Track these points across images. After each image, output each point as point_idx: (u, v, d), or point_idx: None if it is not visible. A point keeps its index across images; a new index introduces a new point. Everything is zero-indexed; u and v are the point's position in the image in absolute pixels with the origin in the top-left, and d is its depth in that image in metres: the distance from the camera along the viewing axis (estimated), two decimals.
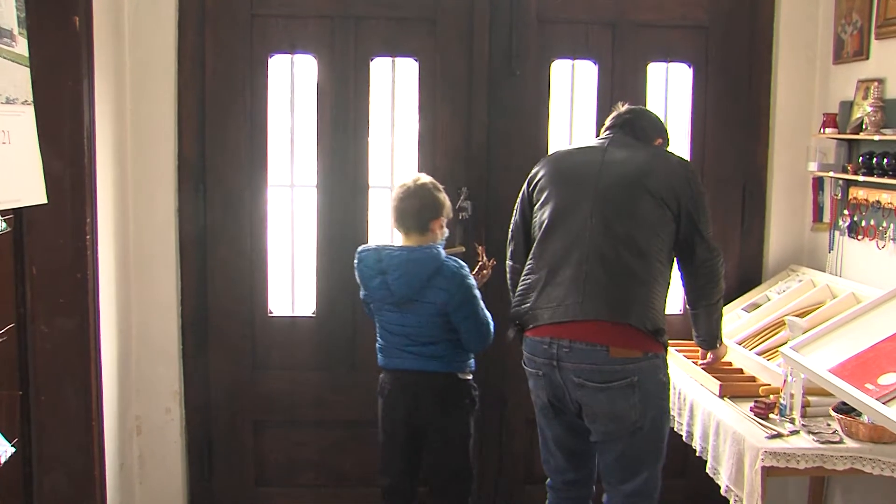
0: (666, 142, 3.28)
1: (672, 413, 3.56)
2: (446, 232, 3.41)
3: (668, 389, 3.07)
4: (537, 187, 3.15)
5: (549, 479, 3.29)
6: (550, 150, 4.04)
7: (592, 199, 2.99)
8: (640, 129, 3.19)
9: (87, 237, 3.26)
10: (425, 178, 3.37)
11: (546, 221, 3.06)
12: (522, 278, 3.10)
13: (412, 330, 3.35)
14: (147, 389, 3.97)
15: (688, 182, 3.01)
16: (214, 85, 3.89)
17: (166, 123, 3.86)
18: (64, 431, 3.31)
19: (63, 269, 3.23)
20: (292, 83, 3.99)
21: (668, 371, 3.05)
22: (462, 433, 3.46)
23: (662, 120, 3.35)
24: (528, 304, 3.03)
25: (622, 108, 3.28)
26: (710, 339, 3.32)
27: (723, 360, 3.56)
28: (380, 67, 3.99)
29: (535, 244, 3.10)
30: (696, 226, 3.01)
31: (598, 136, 3.31)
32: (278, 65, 3.97)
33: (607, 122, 3.26)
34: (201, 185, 3.92)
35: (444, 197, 3.36)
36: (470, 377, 3.44)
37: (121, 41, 3.72)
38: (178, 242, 3.93)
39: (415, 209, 3.29)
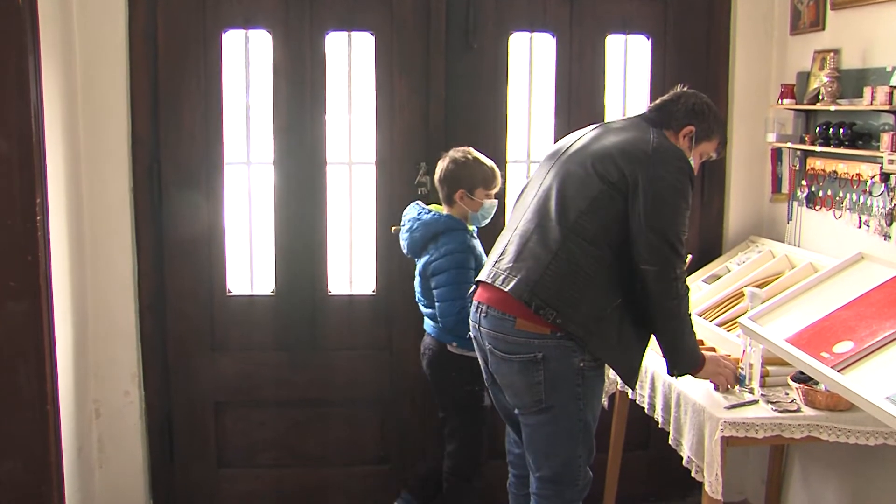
0: (703, 131, 3.01)
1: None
2: (486, 203, 3.51)
3: (590, 378, 2.88)
4: None
5: (509, 456, 3.31)
6: (509, 124, 4.03)
7: (549, 171, 2.98)
8: (669, 112, 3.00)
9: (38, 218, 3.18)
10: (454, 153, 3.53)
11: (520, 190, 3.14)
12: None
13: (420, 289, 3.58)
14: (105, 372, 3.92)
15: (645, 163, 2.78)
16: (167, 62, 3.81)
17: (118, 101, 3.78)
18: (18, 417, 3.24)
19: (13, 251, 3.15)
20: (247, 59, 3.92)
21: (590, 359, 2.84)
22: (454, 403, 3.60)
23: (710, 106, 3.05)
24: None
25: (677, 89, 3.09)
26: (672, 363, 2.98)
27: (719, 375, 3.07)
28: (335, 42, 3.93)
29: None
30: (639, 213, 2.74)
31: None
32: (232, 40, 3.89)
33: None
34: (156, 164, 3.85)
35: (468, 169, 3.49)
36: (464, 352, 3.46)
37: (68, 17, 3.63)
38: (134, 222, 3.87)
39: (438, 182, 3.57)
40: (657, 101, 3.08)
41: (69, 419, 3.57)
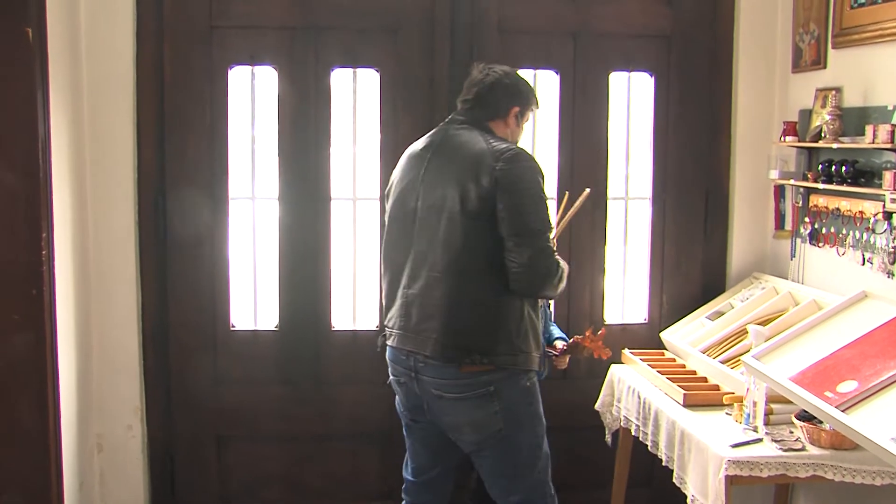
0: (525, 105, 3.13)
1: (636, 422, 3.56)
2: None
3: (535, 394, 3.01)
4: (389, 189, 3.20)
5: (405, 484, 3.28)
6: None
7: (411, 219, 3.00)
8: (490, 104, 3.07)
9: (43, 252, 3.20)
10: None
11: (385, 231, 3.16)
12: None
13: None
14: (108, 406, 3.91)
15: (497, 178, 2.84)
16: (174, 97, 3.85)
17: (125, 136, 3.81)
18: (20, 451, 3.24)
19: (17, 284, 3.16)
20: (253, 95, 3.95)
21: (532, 375, 2.98)
22: None
23: (517, 77, 3.15)
24: (385, 320, 3.10)
25: (477, 73, 3.13)
26: None
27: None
28: (341, 78, 3.97)
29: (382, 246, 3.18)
30: (505, 225, 2.85)
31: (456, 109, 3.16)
32: (238, 76, 3.93)
33: (462, 94, 3.14)
34: (161, 198, 3.87)
35: None
36: None
37: (77, 53, 3.67)
38: (139, 256, 3.88)
39: None
40: (472, 96, 3.09)
41: (71, 453, 3.56)
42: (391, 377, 3.14)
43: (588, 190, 3.49)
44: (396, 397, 3.19)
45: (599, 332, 3.50)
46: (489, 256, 2.88)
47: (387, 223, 3.14)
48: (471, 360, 2.86)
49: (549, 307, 3.77)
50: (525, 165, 2.91)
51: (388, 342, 3.07)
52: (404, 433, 3.24)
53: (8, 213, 3.11)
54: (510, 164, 2.88)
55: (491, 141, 2.96)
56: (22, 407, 3.23)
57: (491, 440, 2.95)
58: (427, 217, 2.95)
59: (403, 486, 3.29)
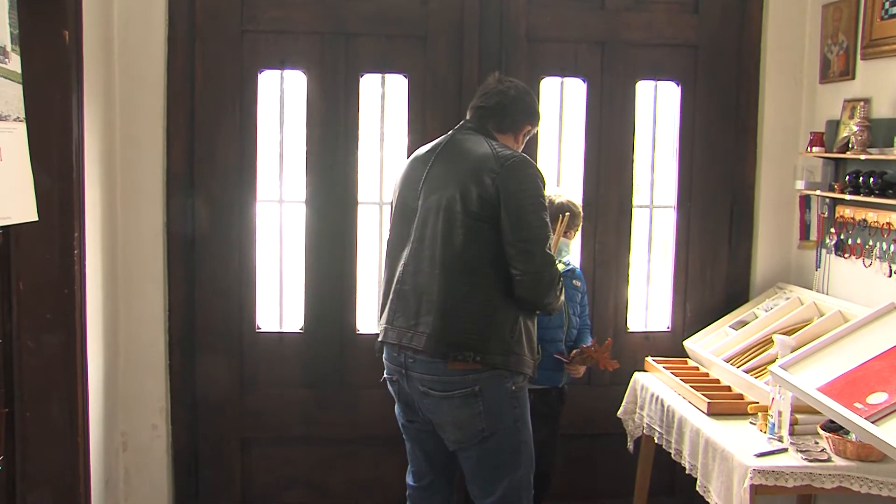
0: (535, 126, 3.22)
1: (659, 430, 3.57)
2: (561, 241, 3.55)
3: (521, 398, 3.01)
4: (393, 189, 3.22)
5: (408, 490, 3.32)
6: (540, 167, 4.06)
7: (417, 208, 3.02)
8: (508, 116, 3.11)
9: (75, 252, 3.24)
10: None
11: (389, 233, 3.18)
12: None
13: None
14: (134, 405, 3.94)
15: (498, 183, 2.88)
16: (204, 100, 3.89)
17: (155, 138, 3.85)
18: (49, 448, 3.27)
19: (50, 284, 3.20)
20: (282, 99, 3.99)
21: (520, 379, 2.99)
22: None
23: (534, 98, 3.24)
24: (381, 318, 3.12)
25: (496, 83, 3.16)
26: None
27: None
28: (369, 84, 4.00)
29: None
30: (506, 229, 2.88)
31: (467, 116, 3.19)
32: (268, 80, 3.97)
33: (474, 101, 3.18)
34: (190, 200, 3.91)
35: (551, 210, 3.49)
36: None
37: (110, 56, 3.71)
38: (166, 258, 3.92)
39: None
40: (492, 104, 3.12)
41: (97, 451, 3.59)
42: (385, 375, 3.15)
43: (568, 214, 3.55)
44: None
45: (605, 344, 3.54)
46: (487, 257, 2.91)
47: (390, 225, 3.18)
48: (462, 357, 2.87)
49: (587, 317, 3.78)
50: (529, 172, 2.95)
51: (383, 337, 3.07)
52: (403, 435, 3.26)
53: (43, 215, 3.12)
54: (514, 169, 2.92)
55: (496, 146, 3.00)
56: (52, 405, 3.26)
57: (473, 440, 2.98)
58: (427, 216, 2.97)
59: (407, 493, 3.32)
